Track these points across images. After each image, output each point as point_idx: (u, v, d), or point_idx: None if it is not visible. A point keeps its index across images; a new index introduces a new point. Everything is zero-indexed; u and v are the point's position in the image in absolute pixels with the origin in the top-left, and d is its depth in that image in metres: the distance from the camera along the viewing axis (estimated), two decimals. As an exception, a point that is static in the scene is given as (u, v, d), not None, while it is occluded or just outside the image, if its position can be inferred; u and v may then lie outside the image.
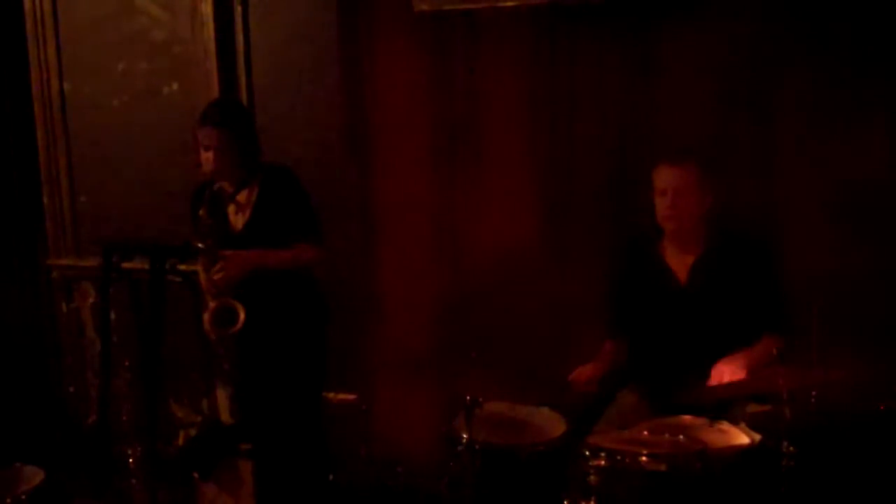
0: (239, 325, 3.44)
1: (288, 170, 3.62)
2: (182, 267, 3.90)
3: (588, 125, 3.79)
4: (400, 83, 4.02)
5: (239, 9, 4.28)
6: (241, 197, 3.56)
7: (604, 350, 3.35)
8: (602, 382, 3.21)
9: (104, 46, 4.54)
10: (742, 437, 2.81)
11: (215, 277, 3.44)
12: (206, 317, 3.52)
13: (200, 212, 3.46)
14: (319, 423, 3.81)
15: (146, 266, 3.67)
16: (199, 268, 3.75)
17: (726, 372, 3.04)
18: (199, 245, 3.46)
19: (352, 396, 4.30)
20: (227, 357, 3.56)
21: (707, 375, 3.07)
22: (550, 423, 3.16)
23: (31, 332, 4.94)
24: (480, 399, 2.95)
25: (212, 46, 4.29)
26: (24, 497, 3.35)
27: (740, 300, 3.20)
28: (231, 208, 3.58)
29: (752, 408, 2.99)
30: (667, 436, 2.80)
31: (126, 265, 3.97)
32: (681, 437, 2.77)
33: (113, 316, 4.08)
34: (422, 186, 4.05)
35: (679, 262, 3.29)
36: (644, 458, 2.69)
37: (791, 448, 2.65)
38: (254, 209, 3.55)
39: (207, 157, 3.48)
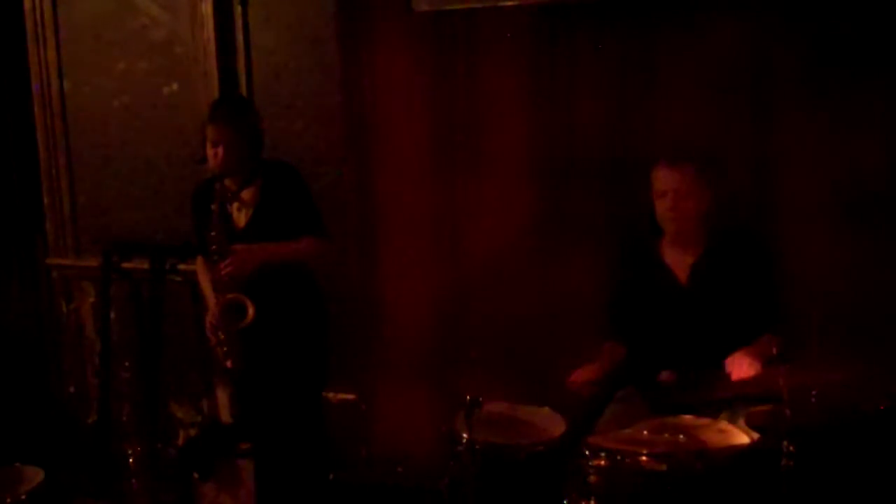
0: (248, 320, 3.43)
1: (289, 166, 3.62)
2: (182, 267, 3.91)
3: (587, 125, 3.79)
4: (400, 83, 4.02)
5: (239, 9, 4.27)
6: (245, 194, 3.56)
7: (603, 351, 3.33)
8: (601, 383, 3.20)
9: (104, 46, 4.53)
10: (742, 437, 2.81)
11: (224, 273, 3.44)
12: (213, 312, 3.51)
13: (213, 206, 3.46)
14: (320, 423, 3.81)
15: (146, 266, 3.67)
16: (197, 267, 3.75)
17: (744, 364, 3.02)
18: (211, 240, 3.45)
19: (352, 396, 4.30)
20: (229, 355, 3.54)
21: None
22: (550, 423, 3.16)
23: (31, 332, 4.94)
24: (480, 399, 2.95)
25: (212, 46, 4.29)
26: (24, 497, 3.35)
27: (740, 299, 3.20)
28: (234, 206, 3.58)
29: (752, 407, 2.99)
30: (667, 436, 2.80)
31: (126, 265, 3.97)
32: (681, 437, 2.77)
33: (113, 316, 4.07)
34: (422, 186, 4.05)
35: (679, 262, 3.28)
36: (644, 458, 2.69)
37: (791, 448, 2.65)
38: (257, 206, 3.55)
39: (216, 152, 3.47)
